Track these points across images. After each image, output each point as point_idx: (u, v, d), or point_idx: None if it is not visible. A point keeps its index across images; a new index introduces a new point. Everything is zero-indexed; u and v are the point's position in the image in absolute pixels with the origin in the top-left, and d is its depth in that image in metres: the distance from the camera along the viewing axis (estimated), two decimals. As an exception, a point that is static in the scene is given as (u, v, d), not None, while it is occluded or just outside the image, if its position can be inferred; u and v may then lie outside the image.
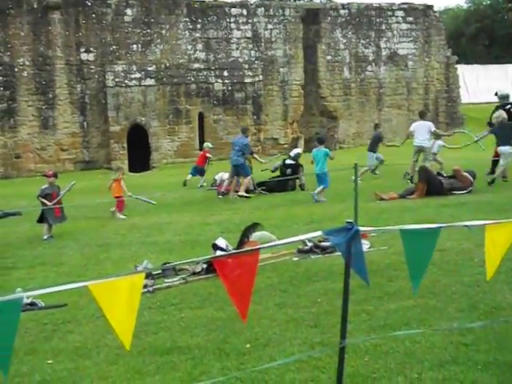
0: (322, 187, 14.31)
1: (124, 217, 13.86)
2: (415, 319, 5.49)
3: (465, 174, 13.48)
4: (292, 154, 17.58)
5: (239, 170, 16.17)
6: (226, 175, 17.73)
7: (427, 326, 5.33)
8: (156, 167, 26.04)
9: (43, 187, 12.39)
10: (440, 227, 3.52)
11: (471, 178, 13.45)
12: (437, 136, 16.55)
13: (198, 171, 19.31)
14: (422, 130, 16.03)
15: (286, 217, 12.28)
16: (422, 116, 16.93)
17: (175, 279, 7.27)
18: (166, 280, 7.25)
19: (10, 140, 24.65)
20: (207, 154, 19.68)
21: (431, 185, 13.43)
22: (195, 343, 5.29)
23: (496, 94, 17.65)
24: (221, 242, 7.74)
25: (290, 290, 6.67)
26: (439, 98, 31.98)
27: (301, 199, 14.87)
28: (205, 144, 20.94)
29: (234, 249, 7.74)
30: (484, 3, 74.89)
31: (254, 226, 7.86)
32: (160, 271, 7.53)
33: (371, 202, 13.03)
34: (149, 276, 7.40)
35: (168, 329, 5.72)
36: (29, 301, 6.66)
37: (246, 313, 3.14)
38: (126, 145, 25.71)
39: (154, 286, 6.99)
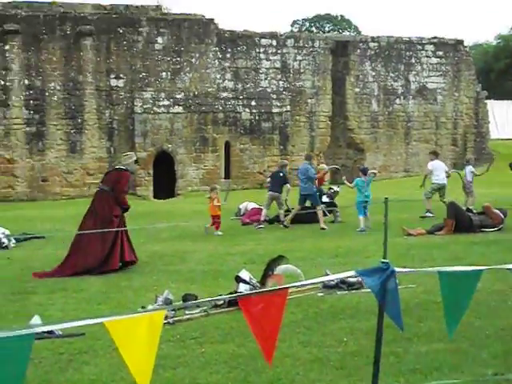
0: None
1: (221, 233, 14.65)
2: (447, 364, 5.22)
3: (495, 211, 13.16)
4: (330, 191, 17.43)
5: (311, 199, 15.87)
6: (250, 205, 17.58)
7: (459, 371, 5.06)
8: (181, 194, 25.99)
9: None
10: (482, 270, 3.29)
11: (502, 216, 13.13)
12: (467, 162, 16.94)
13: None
14: (440, 169, 16.50)
15: (310, 249, 12.05)
16: (437, 155, 17.71)
17: (196, 311, 7.06)
18: (187, 312, 7.05)
19: (38, 163, 24.80)
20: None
21: (460, 221, 13.13)
22: (215, 381, 5.07)
23: None
24: (244, 275, 7.54)
25: (315, 328, 6.43)
26: (468, 133, 31.63)
27: (327, 231, 14.64)
28: (320, 166, 20.06)
29: (257, 282, 7.53)
30: (514, 40, 74.69)
31: (278, 259, 7.64)
32: (181, 302, 7.33)
33: (398, 237, 12.75)
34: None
35: (187, 364, 5.51)
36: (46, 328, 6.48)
37: (271, 354, 2.93)
38: (151, 171, 25.74)
39: (175, 318, 6.79)
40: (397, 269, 3.11)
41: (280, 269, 7.59)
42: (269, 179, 17.43)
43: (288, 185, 16.73)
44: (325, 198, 17.03)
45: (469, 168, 17.08)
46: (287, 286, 3.08)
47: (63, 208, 21.77)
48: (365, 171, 15.73)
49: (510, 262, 9.01)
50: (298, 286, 3.45)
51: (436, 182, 16.17)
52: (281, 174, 16.74)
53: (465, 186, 16.89)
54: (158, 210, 21.43)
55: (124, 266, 10.73)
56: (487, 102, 32.51)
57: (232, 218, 17.41)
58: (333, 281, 7.96)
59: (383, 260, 3.08)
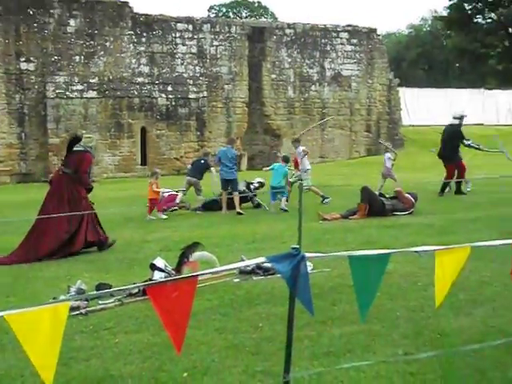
0: (285, 197, 14.97)
1: (154, 218, 14.67)
2: (359, 345, 5.31)
3: (407, 195, 13.55)
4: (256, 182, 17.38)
5: (232, 184, 15.53)
6: (167, 191, 17.37)
7: (371, 352, 5.17)
8: (96, 181, 25.39)
9: None
10: (390, 253, 3.35)
11: (413, 200, 13.53)
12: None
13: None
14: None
15: (227, 235, 12.02)
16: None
17: (110, 301, 6.90)
18: (101, 301, 6.88)
19: None
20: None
21: (373, 205, 13.44)
22: (129, 371, 4.97)
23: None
24: (159, 262, 7.43)
25: (231, 314, 6.41)
26: (381, 120, 32.44)
27: (243, 217, 14.66)
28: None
29: (172, 269, 7.44)
30: (424, 29, 77.05)
31: (193, 246, 7.57)
32: (94, 291, 7.16)
33: (314, 221, 12.92)
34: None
35: (100, 355, 5.37)
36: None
37: (181, 343, 2.88)
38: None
39: (88, 309, 6.62)
40: (307, 254, 3.11)
41: (195, 255, 7.52)
42: (189, 166, 17.43)
43: (212, 169, 16.65)
44: (241, 186, 17.01)
45: (387, 155, 17.51)
46: (198, 273, 3.03)
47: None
48: (286, 159, 15.83)
49: (420, 244, 9.30)
50: (212, 273, 3.40)
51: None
52: (202, 162, 16.73)
53: (384, 172, 17.33)
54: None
55: (87, 247, 10.90)
56: (399, 89, 33.42)
57: (147, 204, 17.15)
58: (248, 266, 7.97)
59: (294, 246, 3.08)
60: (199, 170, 16.47)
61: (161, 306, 2.73)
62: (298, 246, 3.04)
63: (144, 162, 26.63)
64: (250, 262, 3.33)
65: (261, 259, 3.12)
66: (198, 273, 3.00)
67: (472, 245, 3.71)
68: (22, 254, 10.26)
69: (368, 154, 31.83)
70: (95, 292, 6.35)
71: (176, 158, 26.96)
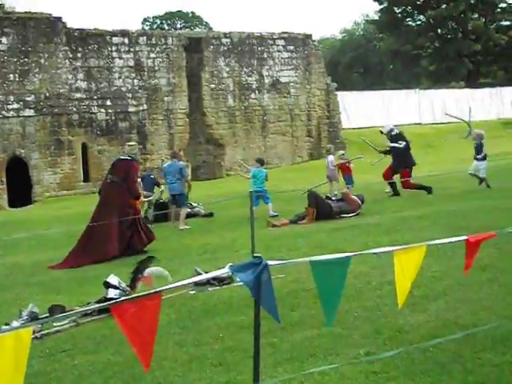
0: (270, 204, 15.16)
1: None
2: (321, 349, 5.35)
3: (353, 197, 13.75)
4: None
5: (180, 199, 15.15)
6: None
7: (334, 355, 5.21)
8: (38, 201, 24.87)
9: None
10: (350, 256, 3.39)
11: (359, 201, 13.73)
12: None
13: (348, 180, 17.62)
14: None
15: (177, 247, 11.96)
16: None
17: (65, 322, 6.75)
18: (55, 324, 6.73)
19: None
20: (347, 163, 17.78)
21: (321, 209, 13.58)
22: (91, 393, 4.88)
23: (381, 133, 17.87)
24: (113, 280, 7.32)
25: (190, 326, 6.36)
26: (321, 124, 32.84)
27: (194, 229, 14.59)
28: (340, 152, 19.01)
29: (127, 286, 7.34)
30: (357, 33, 78.54)
31: (147, 261, 7.49)
32: (47, 314, 6.99)
33: (263, 228, 12.96)
34: (36, 320, 6.86)
35: (60, 379, 5.25)
36: None
37: (149, 359, 2.85)
38: (4, 179, 24.43)
39: (42, 332, 6.46)
40: (270, 262, 3.12)
41: (148, 271, 7.44)
42: (139, 180, 17.35)
43: (162, 186, 17.03)
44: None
45: (330, 157, 17.74)
46: (159, 288, 3.00)
47: None
48: (261, 161, 16.12)
49: (371, 244, 9.43)
50: (175, 287, 3.38)
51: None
52: (151, 177, 17.53)
53: (329, 175, 17.55)
54: (15, 219, 20.40)
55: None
56: (337, 93, 33.91)
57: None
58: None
59: (255, 254, 3.08)
60: (150, 184, 17.02)
61: (126, 323, 2.69)
62: (259, 255, 3.04)
63: (86, 179, 26.20)
64: (214, 274, 3.31)
65: (224, 270, 3.11)
66: (159, 288, 2.97)
67: (428, 243, 3.80)
68: (73, 261, 11.05)
69: (311, 158, 32.15)
70: (62, 314, 6.18)
71: (119, 173, 26.62)
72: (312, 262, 3.21)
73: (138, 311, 2.66)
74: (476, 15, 54.95)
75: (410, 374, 4.65)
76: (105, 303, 2.73)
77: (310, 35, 32.70)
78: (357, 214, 13.61)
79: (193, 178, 27.34)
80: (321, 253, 8.94)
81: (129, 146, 12.94)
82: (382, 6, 55.54)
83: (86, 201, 23.40)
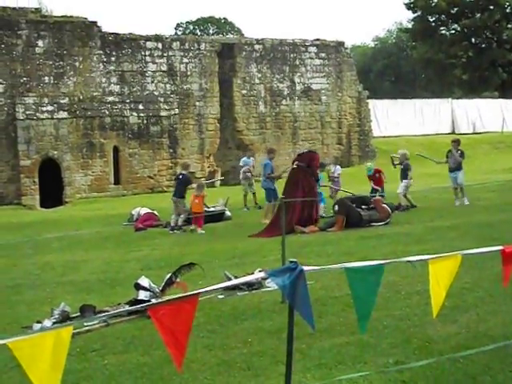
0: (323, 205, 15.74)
1: (203, 232, 14.72)
2: (349, 356, 5.34)
3: (384, 205, 13.67)
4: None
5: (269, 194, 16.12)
6: (143, 210, 17.29)
7: (362, 363, 5.20)
8: (69, 202, 25.19)
9: None
10: (383, 264, 3.39)
11: (389, 210, 13.66)
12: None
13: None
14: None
15: (206, 252, 12.01)
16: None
17: (95, 322, 6.84)
18: (86, 323, 6.82)
19: None
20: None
21: (350, 217, 13.53)
22: (120, 393, 4.94)
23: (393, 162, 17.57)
24: (144, 282, 7.39)
25: (218, 330, 6.40)
26: (352, 132, 32.73)
27: (221, 233, 14.65)
28: (369, 165, 18.97)
29: (157, 288, 7.41)
30: (390, 41, 78.13)
31: (188, 266, 7.54)
32: (78, 313, 7.10)
33: (292, 235, 12.96)
34: (67, 319, 6.97)
35: (90, 378, 5.32)
36: None
37: (181, 360, 2.89)
38: (37, 179, 24.79)
39: (73, 331, 6.53)
40: (305, 267, 3.14)
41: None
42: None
43: (194, 185, 16.37)
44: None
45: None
46: (196, 291, 3.03)
47: None
48: (322, 165, 16.48)
49: (399, 253, 9.38)
50: (207, 292, 3.41)
51: None
52: (180, 177, 16.19)
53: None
54: (46, 219, 20.68)
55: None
56: (369, 101, 33.78)
57: (124, 223, 17.09)
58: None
59: (291, 259, 3.10)
60: (179, 186, 15.83)
61: (162, 324, 2.73)
62: (295, 260, 3.06)
63: (117, 182, 26.47)
64: (251, 278, 3.34)
65: (260, 274, 3.13)
66: (198, 291, 3.00)
67: (462, 253, 3.77)
68: (274, 230, 12.73)
69: (340, 166, 31.99)
70: (103, 314, 6.25)
71: (149, 177, 26.86)
72: (347, 269, 3.22)
73: (174, 312, 2.70)
74: (511, 25, 54.31)
75: (440, 385, 4.62)
76: (142, 304, 2.77)
77: (343, 43, 32.66)
78: (386, 223, 13.53)
79: (221, 183, 27.52)
80: (349, 260, 8.94)
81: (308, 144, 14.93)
82: (415, 15, 55.19)
83: (116, 203, 23.67)
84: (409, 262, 3.63)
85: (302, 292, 3.04)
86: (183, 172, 16.48)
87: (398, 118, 35.93)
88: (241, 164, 20.68)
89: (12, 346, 2.52)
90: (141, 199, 23.43)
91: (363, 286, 3.22)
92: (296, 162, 14.63)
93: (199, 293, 2.97)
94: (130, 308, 2.80)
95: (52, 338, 2.55)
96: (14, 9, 25.65)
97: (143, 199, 23.33)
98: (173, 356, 2.94)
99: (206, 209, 16.16)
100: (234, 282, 3.25)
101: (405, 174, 16.10)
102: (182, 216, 15.35)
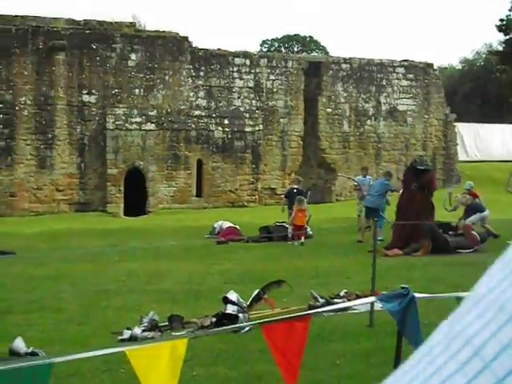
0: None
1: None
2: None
3: (474, 232, 13.30)
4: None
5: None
6: (225, 224, 17.48)
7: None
8: (152, 212, 25.75)
9: None
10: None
11: (478, 238, 13.27)
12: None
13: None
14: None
15: (289, 269, 11.97)
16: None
17: (183, 333, 6.92)
18: (173, 333, 6.92)
19: (6, 178, 24.38)
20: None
21: (436, 242, 13.23)
22: (212, 405, 4.97)
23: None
24: (232, 296, 7.43)
25: (307, 350, 6.30)
26: (437, 155, 32.07)
27: (301, 250, 14.62)
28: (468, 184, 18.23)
29: (245, 303, 7.44)
30: (478, 64, 76.34)
31: (277, 283, 7.56)
32: (166, 323, 7.21)
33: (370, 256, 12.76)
34: (155, 328, 7.09)
35: (180, 388, 5.38)
36: (29, 350, 6.30)
37: (294, 382, 2.86)
38: (122, 188, 25.50)
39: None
40: (417, 294, 3.07)
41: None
42: (285, 198, 17.86)
43: (305, 200, 16.65)
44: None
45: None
46: (310, 311, 3.02)
47: (31, 225, 21.39)
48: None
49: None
50: (317, 313, 3.37)
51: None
52: (294, 191, 17.18)
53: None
54: (130, 227, 21.19)
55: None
56: (456, 124, 33.05)
57: (206, 236, 17.31)
58: (318, 302, 7.92)
59: (403, 286, 3.04)
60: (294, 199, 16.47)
61: (275, 344, 2.72)
62: (407, 286, 3.00)
63: (199, 194, 26.88)
64: (362, 301, 3.30)
65: (371, 299, 3.09)
66: (311, 311, 2.98)
67: None
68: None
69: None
70: (225, 329, 6.31)
71: (231, 191, 27.14)
72: (458, 298, 3.12)
73: (286, 332, 2.69)
74: None
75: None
76: (256, 322, 2.76)
77: (432, 64, 32.11)
78: (474, 251, 13.14)
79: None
80: (439, 287, 8.71)
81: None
82: (507, 37, 53.72)
83: (198, 215, 24.01)
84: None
85: (413, 318, 2.97)
86: (296, 186, 17.62)
87: (484, 143, 34.96)
88: (355, 183, 20.15)
89: (129, 354, 2.57)
90: (222, 213, 23.69)
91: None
92: (414, 184, 14.08)
93: (312, 313, 2.95)
94: (248, 323, 2.74)
95: (168, 349, 2.59)
96: (110, 23, 26.61)
97: (224, 213, 23.57)
98: (285, 380, 2.92)
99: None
100: (346, 304, 3.18)
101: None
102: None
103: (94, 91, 25.46)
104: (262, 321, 2.64)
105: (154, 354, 2.57)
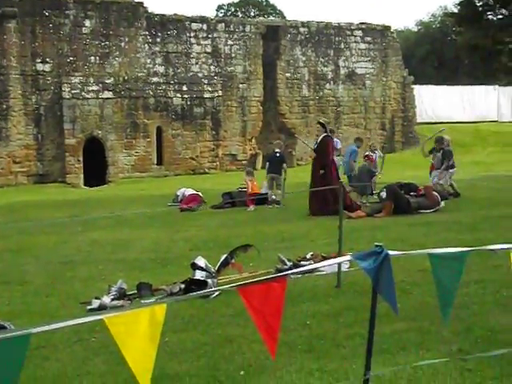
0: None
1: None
2: (411, 343, 5.31)
3: (434, 192, 13.52)
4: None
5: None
6: (188, 191, 17.41)
7: (425, 349, 5.17)
8: (112, 181, 25.49)
9: None
10: (468, 251, 3.33)
11: (439, 198, 13.50)
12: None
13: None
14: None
15: (254, 234, 12.02)
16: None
17: (152, 300, 6.92)
18: (143, 301, 6.91)
19: (-40, 151, 23.81)
20: None
21: (399, 203, 13.42)
22: (184, 370, 4.99)
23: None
24: (200, 262, 7.43)
25: (276, 312, 6.41)
26: (395, 117, 32.37)
27: (264, 216, 14.67)
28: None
29: (213, 268, 7.46)
30: (434, 26, 76.73)
31: (244, 248, 7.58)
32: (135, 291, 7.19)
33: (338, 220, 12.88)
34: (124, 296, 7.07)
35: (152, 355, 5.38)
36: (-4, 323, 6.21)
37: (275, 348, 2.88)
38: (81, 158, 25.14)
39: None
40: (391, 252, 3.11)
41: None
42: (267, 163, 17.89)
43: (285, 164, 17.25)
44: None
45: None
46: (285, 272, 3.03)
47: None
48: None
49: (452, 241, 9.25)
50: (296, 273, 3.40)
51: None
52: (277, 155, 17.31)
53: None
54: (91, 197, 20.97)
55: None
56: (413, 86, 33.32)
57: (169, 204, 17.23)
58: (286, 265, 7.98)
59: (377, 243, 3.07)
60: (276, 164, 17.00)
61: (253, 306, 2.73)
62: (381, 244, 3.03)
63: (160, 162, 26.68)
64: (338, 260, 3.33)
65: (346, 257, 3.12)
66: (286, 272, 3.00)
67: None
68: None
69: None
70: (195, 295, 6.29)
71: (191, 158, 27.00)
72: (431, 255, 3.18)
73: (264, 293, 2.70)
74: (561, 11, 52.83)
75: (509, 376, 4.56)
76: (234, 285, 2.77)
77: (389, 27, 32.20)
78: (435, 211, 13.38)
79: (263, 166, 27.50)
80: (402, 247, 8.86)
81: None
82: (462, -1, 54.06)
83: (159, 183, 23.89)
84: (491, 250, 3.56)
85: (387, 276, 3.02)
86: (279, 150, 17.56)
87: (443, 105, 35.37)
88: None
89: (108, 322, 2.56)
90: (183, 180, 23.59)
91: (447, 273, 3.18)
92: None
93: (287, 274, 2.97)
94: (225, 287, 2.75)
95: (147, 315, 2.57)
96: (62, -12, 25.87)
97: (185, 180, 23.48)
98: (265, 342, 2.93)
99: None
100: (320, 264, 3.21)
101: (443, 162, 15.73)
102: (279, 192, 16.56)
103: (48, 60, 24.88)
104: (238, 283, 2.64)
105: (133, 320, 2.55)
